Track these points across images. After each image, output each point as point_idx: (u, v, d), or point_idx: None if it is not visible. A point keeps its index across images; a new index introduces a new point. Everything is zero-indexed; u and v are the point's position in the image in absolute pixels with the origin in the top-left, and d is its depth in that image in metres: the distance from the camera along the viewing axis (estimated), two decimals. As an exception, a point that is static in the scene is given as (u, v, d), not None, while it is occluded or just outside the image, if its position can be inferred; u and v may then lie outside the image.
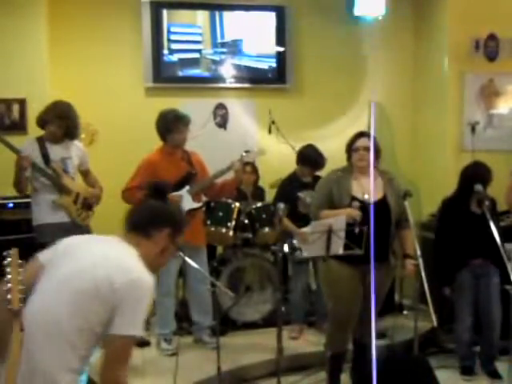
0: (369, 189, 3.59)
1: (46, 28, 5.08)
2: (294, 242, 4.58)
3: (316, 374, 4.09)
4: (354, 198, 3.56)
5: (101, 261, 2.12)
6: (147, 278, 2.10)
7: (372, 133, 3.79)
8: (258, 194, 5.32)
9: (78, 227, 4.24)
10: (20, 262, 2.08)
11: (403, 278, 4.89)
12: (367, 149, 3.62)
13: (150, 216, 2.28)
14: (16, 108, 4.95)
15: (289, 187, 4.67)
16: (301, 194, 4.51)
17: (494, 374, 4.11)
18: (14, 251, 2.09)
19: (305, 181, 4.67)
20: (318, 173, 4.71)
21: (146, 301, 2.09)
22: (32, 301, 2.08)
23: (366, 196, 3.54)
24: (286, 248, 4.61)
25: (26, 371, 1.99)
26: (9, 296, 1.99)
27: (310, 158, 4.68)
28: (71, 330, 2.02)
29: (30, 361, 2.00)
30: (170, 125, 4.26)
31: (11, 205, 4.58)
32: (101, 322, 2.04)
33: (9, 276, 2.02)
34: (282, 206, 4.69)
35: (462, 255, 4.07)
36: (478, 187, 3.97)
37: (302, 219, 4.32)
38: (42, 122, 4.22)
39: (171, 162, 4.28)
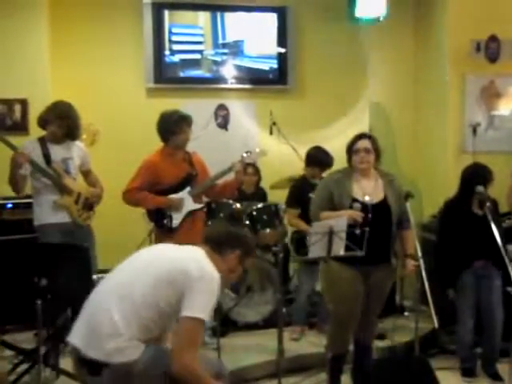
0: (369, 190, 3.60)
1: (48, 29, 5.10)
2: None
3: (317, 375, 4.08)
4: (354, 200, 3.56)
5: (179, 255, 2.49)
6: (216, 274, 2.42)
7: (372, 134, 3.79)
8: (260, 194, 5.32)
9: (79, 227, 4.25)
10: None
11: (404, 278, 4.89)
12: (368, 150, 3.63)
13: (226, 236, 2.60)
14: (18, 108, 4.96)
15: (300, 189, 4.70)
16: (312, 195, 4.54)
17: (494, 376, 4.10)
18: None
19: (314, 182, 4.68)
20: (324, 174, 4.72)
21: (214, 293, 2.38)
22: (116, 274, 2.51)
23: (367, 198, 3.54)
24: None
25: (89, 329, 2.35)
26: None
27: (317, 158, 4.72)
28: (141, 304, 2.33)
29: (99, 317, 2.35)
30: (174, 126, 4.23)
31: (10, 205, 4.58)
32: (168, 302, 2.35)
33: None
34: (283, 207, 4.75)
35: (464, 257, 4.07)
36: (480, 188, 3.96)
37: None
38: (42, 122, 4.23)
39: (172, 163, 4.28)
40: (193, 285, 2.34)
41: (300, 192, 4.68)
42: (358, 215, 3.45)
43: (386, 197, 3.63)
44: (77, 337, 2.41)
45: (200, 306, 2.33)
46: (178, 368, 2.32)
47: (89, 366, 2.32)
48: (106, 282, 2.52)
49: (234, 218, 2.66)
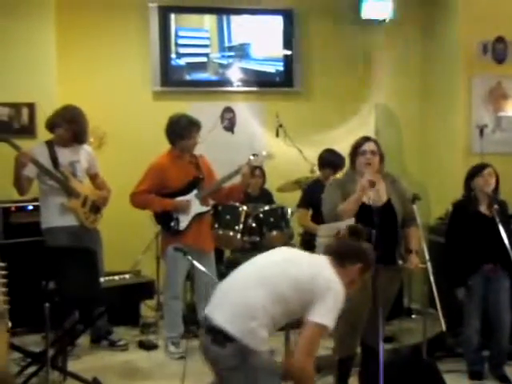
0: (374, 197, 3.60)
1: (55, 33, 5.11)
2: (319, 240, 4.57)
3: (324, 378, 4.07)
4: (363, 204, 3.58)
5: (314, 262, 2.70)
6: (341, 286, 2.59)
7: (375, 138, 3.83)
8: (265, 197, 5.33)
9: (86, 230, 4.26)
10: (1, 264, 2.10)
11: (410, 276, 4.89)
12: (374, 153, 3.65)
13: (348, 250, 2.77)
14: (25, 112, 4.97)
15: (313, 191, 4.72)
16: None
17: (503, 379, 4.07)
18: None
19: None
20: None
21: (340, 303, 2.55)
22: (259, 263, 2.72)
23: (371, 201, 3.56)
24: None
25: (228, 305, 2.53)
26: None
27: (330, 160, 4.75)
28: (276, 297, 2.51)
29: (241, 297, 2.54)
30: (183, 131, 4.24)
31: (31, 207, 4.61)
32: (298, 303, 2.53)
33: None
34: (289, 209, 4.76)
35: (472, 259, 4.05)
36: (475, 183, 4.00)
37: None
38: (51, 125, 4.25)
39: (179, 167, 4.29)
40: (324, 293, 2.52)
41: (313, 193, 4.69)
42: (371, 180, 3.48)
43: (389, 199, 3.65)
44: (213, 309, 2.60)
45: (328, 314, 2.51)
46: (297, 367, 2.51)
47: (216, 336, 2.49)
48: (250, 266, 2.72)
49: (355, 233, 2.90)
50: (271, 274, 2.60)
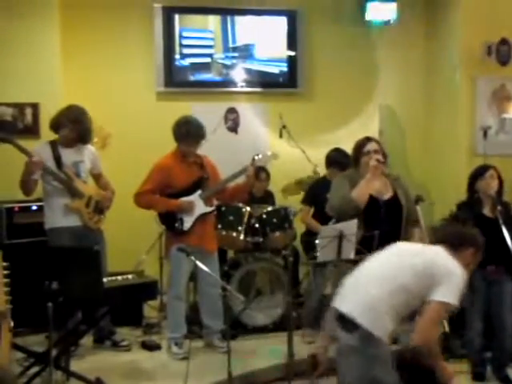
0: (380, 189, 3.66)
1: (59, 33, 5.12)
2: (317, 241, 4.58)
3: (327, 378, 4.07)
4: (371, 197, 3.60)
5: (432, 251, 2.85)
6: (461, 269, 2.75)
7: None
8: (268, 197, 5.33)
9: (90, 231, 4.26)
10: (4, 264, 2.10)
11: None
12: (377, 152, 3.71)
13: (459, 237, 2.94)
14: (29, 112, 4.99)
15: (317, 189, 4.73)
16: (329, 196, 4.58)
17: (505, 380, 4.07)
18: None
19: None
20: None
21: (462, 284, 2.71)
22: (377, 262, 2.88)
23: (378, 194, 3.60)
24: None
25: (355, 299, 2.72)
26: None
27: (337, 160, 4.75)
28: (400, 289, 2.70)
29: (366, 294, 2.71)
30: (181, 137, 4.28)
31: (34, 207, 4.61)
32: (423, 290, 2.71)
33: None
34: (292, 210, 4.75)
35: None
36: (478, 185, 3.99)
37: (329, 220, 4.36)
38: (55, 125, 4.25)
39: (184, 167, 4.29)
40: (446, 276, 2.69)
41: (317, 191, 4.70)
42: (375, 159, 3.57)
43: (395, 193, 3.71)
44: (341, 301, 2.79)
45: (451, 293, 2.68)
46: (421, 341, 2.72)
47: (345, 324, 2.70)
48: (373, 262, 2.90)
49: (458, 220, 3.31)
50: (392, 267, 2.78)
